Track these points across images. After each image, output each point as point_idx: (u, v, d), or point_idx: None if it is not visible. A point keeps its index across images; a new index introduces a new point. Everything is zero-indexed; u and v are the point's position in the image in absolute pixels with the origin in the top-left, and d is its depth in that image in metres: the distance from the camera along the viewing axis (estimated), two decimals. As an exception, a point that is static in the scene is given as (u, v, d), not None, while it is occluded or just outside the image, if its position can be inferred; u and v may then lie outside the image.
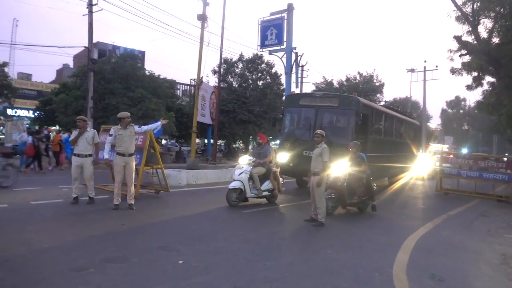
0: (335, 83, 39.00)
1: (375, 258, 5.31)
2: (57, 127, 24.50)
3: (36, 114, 25.46)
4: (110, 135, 7.65)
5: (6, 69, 23.63)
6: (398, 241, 6.24)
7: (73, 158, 7.71)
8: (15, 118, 29.30)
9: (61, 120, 21.34)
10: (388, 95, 76.34)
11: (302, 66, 33.25)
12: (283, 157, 10.95)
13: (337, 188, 7.99)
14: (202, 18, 16.73)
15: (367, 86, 37.82)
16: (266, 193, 8.86)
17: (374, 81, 40.08)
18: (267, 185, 8.89)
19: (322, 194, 7.11)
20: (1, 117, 26.24)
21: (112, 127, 7.87)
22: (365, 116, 11.06)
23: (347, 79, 39.49)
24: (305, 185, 11.85)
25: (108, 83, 21.01)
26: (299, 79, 22.97)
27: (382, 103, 26.22)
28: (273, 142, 23.26)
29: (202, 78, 17.87)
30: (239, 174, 8.51)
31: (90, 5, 18.52)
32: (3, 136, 23.94)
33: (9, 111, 30.89)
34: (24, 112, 32.21)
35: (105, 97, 20.57)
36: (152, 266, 4.34)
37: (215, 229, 6.41)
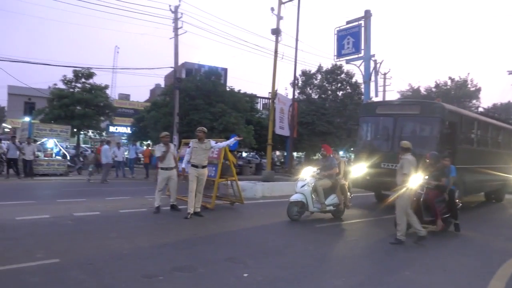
0: (423, 90, 36.41)
1: (462, 284, 4.68)
2: (149, 142, 26.74)
3: (131, 130, 28.10)
4: (189, 147, 8.14)
5: (108, 91, 26.56)
6: (492, 267, 5.43)
7: (160, 171, 8.27)
8: (115, 134, 32.71)
9: (152, 135, 23.19)
10: (486, 100, 68.77)
11: (385, 74, 31.75)
12: (359, 169, 10.34)
13: (412, 204, 7.15)
14: (276, 32, 16.93)
15: (460, 92, 34.63)
16: (330, 207, 8.30)
17: (469, 86, 36.55)
18: (332, 199, 8.31)
19: (402, 209, 6.54)
20: (104, 134, 29.44)
21: (191, 141, 8.36)
22: (452, 124, 10.04)
23: (437, 85, 36.60)
24: (385, 200, 11.09)
25: (192, 99, 22.32)
26: (380, 88, 21.89)
27: (481, 109, 23.64)
28: (341, 153, 22.29)
29: (277, 90, 17.98)
30: (301, 187, 8.08)
31: (175, 28, 20.02)
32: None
33: (111, 128, 34.56)
34: (123, 129, 35.80)
35: (189, 113, 21.86)
36: (217, 277, 4.38)
37: (285, 243, 6.28)
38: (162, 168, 8.26)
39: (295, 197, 8.04)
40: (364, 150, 10.86)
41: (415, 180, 7.05)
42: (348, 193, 8.86)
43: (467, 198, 10.94)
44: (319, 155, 9.70)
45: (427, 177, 7.34)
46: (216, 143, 8.58)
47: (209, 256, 5.24)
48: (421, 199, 7.17)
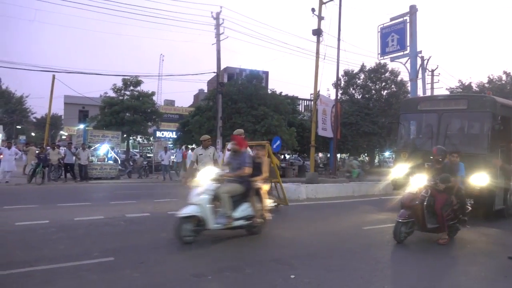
0: (474, 86, 34.37)
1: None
2: (194, 146, 27.42)
3: (177, 135, 29.02)
4: (228, 150, 8.24)
5: (154, 98, 27.65)
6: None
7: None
8: (162, 139, 33.94)
9: (196, 139, 23.78)
10: (548, 95, 63.57)
11: (433, 71, 30.35)
12: (400, 169, 9.74)
13: (414, 209, 6.19)
14: (318, 32, 16.77)
15: (517, 87, 32.24)
16: (241, 222, 6.11)
17: (527, 80, 33.95)
18: (244, 210, 6.13)
19: None
20: (151, 138, 30.63)
21: (229, 143, 8.45)
22: (505, 119, 9.06)
23: (490, 81, 34.39)
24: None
25: (235, 103, 22.65)
26: (428, 85, 20.94)
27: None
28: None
29: (319, 92, 17.79)
30: (197, 195, 5.90)
31: (217, 34, 20.44)
32: (151, 155, 27.85)
33: (158, 133, 35.90)
34: (169, 134, 37.05)
35: (232, 117, 22.18)
36: (263, 278, 4.39)
37: (331, 245, 6.17)
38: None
39: (186, 211, 5.79)
40: (405, 150, 10.16)
41: (418, 181, 6.39)
42: (270, 201, 6.96)
43: None
44: (229, 149, 7.54)
45: (432, 175, 6.43)
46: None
47: (255, 257, 5.28)
48: (425, 203, 6.19)
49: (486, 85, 33.94)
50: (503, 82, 33.55)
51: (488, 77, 34.85)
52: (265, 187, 6.76)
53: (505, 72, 34.21)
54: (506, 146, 9.09)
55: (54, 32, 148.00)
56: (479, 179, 8.17)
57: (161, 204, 9.66)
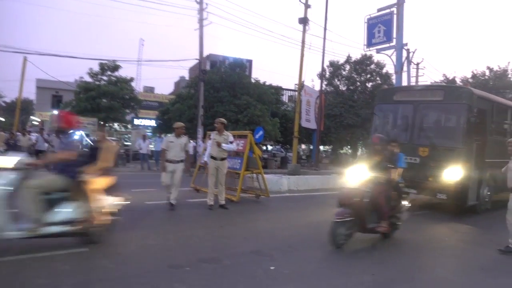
0: (458, 81, 35.16)
1: (504, 284, 4.54)
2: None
3: (156, 123, 28.67)
4: (210, 139, 8.23)
5: (133, 84, 27.17)
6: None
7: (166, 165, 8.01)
8: (140, 127, 33.45)
9: (176, 128, 23.59)
10: (529, 92, 65.69)
11: (417, 64, 30.86)
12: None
13: (354, 206, 5.41)
14: (304, 21, 16.75)
15: (500, 83, 33.18)
16: (57, 228, 4.59)
17: (509, 76, 34.97)
18: (64, 211, 4.69)
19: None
20: (129, 126, 30.17)
21: (212, 133, 8.44)
22: (481, 112, 8.85)
23: (473, 76, 35.23)
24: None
25: (217, 92, 22.50)
26: (412, 78, 21.31)
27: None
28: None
29: (304, 82, 17.84)
30: None
31: (200, 20, 20.16)
32: (129, 143, 27.47)
33: (136, 121, 35.36)
34: (148, 122, 36.55)
35: (214, 105, 22.05)
36: (243, 269, 4.43)
37: (312, 236, 6.26)
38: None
39: None
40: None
41: (357, 174, 5.68)
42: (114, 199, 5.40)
43: (497, 196, 10.33)
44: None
45: (373, 168, 5.70)
46: (231, 142, 8.30)
47: (234, 248, 5.31)
48: (367, 200, 5.46)
49: (470, 79, 34.79)
50: (486, 77, 34.47)
51: (472, 72, 35.69)
52: (101, 181, 5.08)
53: (488, 68, 35.15)
54: (481, 140, 8.92)
55: (27, 11, 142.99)
56: (453, 174, 8.13)
57: (139, 194, 9.56)
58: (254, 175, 9.87)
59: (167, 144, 7.92)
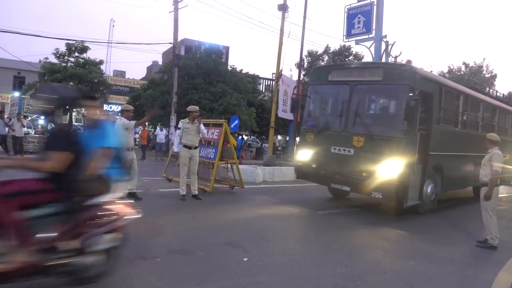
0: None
1: (469, 275, 4.76)
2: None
3: (127, 109, 28.13)
4: (179, 128, 8.15)
5: (102, 67, 26.43)
6: (501, 259, 5.52)
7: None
8: (110, 113, 32.72)
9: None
10: (503, 88, 68.32)
11: (395, 57, 31.39)
12: (304, 155, 8.53)
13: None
14: (283, 8, 16.72)
15: (475, 78, 34.40)
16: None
17: (484, 72, 36.30)
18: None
19: (491, 209, 6.01)
20: (97, 112, 29.47)
21: (181, 121, 8.35)
22: (426, 96, 7.80)
23: (450, 71, 36.35)
24: (345, 196, 9.55)
25: (192, 78, 22.22)
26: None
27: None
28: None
29: (281, 71, 17.87)
30: None
31: (175, 1, 19.77)
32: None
33: (105, 107, 34.52)
34: (118, 107, 35.76)
35: (188, 92, 21.80)
36: (216, 260, 4.45)
37: (286, 228, 6.35)
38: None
39: None
40: (311, 130, 8.64)
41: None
42: None
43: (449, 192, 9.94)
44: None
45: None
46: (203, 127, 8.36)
47: (207, 239, 5.31)
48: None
49: (447, 74, 35.86)
50: (462, 73, 35.62)
51: (449, 67, 36.84)
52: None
53: (464, 63, 36.34)
54: (427, 129, 7.89)
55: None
56: (389, 169, 7.07)
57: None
58: (229, 165, 9.86)
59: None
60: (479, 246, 6.03)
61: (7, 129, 15.32)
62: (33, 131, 17.20)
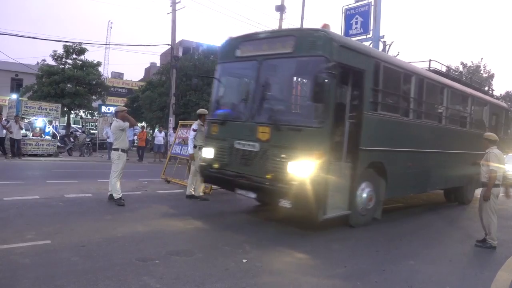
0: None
1: (468, 274, 4.77)
2: (143, 124, 26.68)
3: (125, 110, 28.11)
4: (194, 130, 8.14)
5: (100, 69, 26.42)
6: (501, 258, 5.52)
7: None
8: (107, 114, 32.67)
9: (146, 116, 23.15)
10: (500, 88, 68.59)
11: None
12: (208, 152, 6.88)
13: None
14: (281, 8, 16.76)
15: (473, 78, 34.57)
16: None
17: (481, 72, 36.42)
18: None
19: (491, 209, 5.94)
20: (96, 113, 29.39)
21: (195, 123, 8.33)
22: (353, 73, 6.26)
23: (448, 70, 36.46)
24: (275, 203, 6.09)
25: (190, 79, 22.19)
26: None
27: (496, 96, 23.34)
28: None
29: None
30: None
31: (173, 2, 19.77)
32: (96, 131, 26.77)
33: (103, 108, 34.48)
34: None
35: (186, 94, 21.78)
36: (215, 262, 4.43)
37: (284, 229, 6.32)
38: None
39: None
40: (216, 120, 6.93)
41: None
42: None
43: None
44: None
45: None
46: None
47: (207, 240, 5.31)
48: None
49: (444, 75, 35.90)
50: (460, 73, 35.70)
51: (446, 66, 36.86)
52: None
53: (462, 63, 36.44)
54: (357, 117, 6.31)
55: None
56: (298, 168, 5.41)
57: (106, 185, 9.32)
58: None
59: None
60: (478, 246, 6.03)
61: (4, 131, 15.29)
62: (31, 133, 17.12)
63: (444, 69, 10.43)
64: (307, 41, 5.86)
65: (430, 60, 9.92)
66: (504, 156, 6.64)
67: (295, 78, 6.94)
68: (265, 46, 6.43)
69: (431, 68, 9.60)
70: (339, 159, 6.26)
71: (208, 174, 6.85)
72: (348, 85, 6.42)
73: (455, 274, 4.77)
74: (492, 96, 13.08)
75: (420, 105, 8.14)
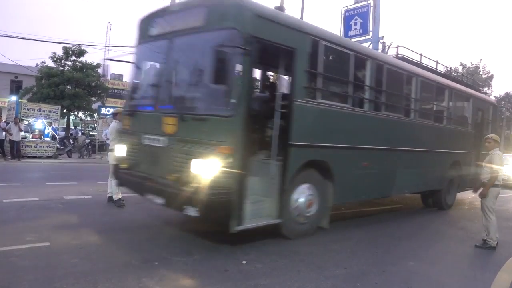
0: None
1: (468, 275, 4.77)
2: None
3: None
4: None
5: (100, 70, 26.34)
6: (500, 259, 5.52)
7: None
8: (107, 116, 32.68)
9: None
10: (499, 89, 68.64)
11: (393, 58, 31.54)
12: (120, 150, 5.91)
13: None
14: (280, 10, 16.73)
15: (472, 79, 34.62)
16: None
17: (481, 73, 36.52)
18: None
19: (489, 209, 5.98)
20: (95, 115, 29.37)
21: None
22: (275, 50, 5.32)
23: (447, 71, 36.50)
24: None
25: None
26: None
27: (492, 97, 23.36)
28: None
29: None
30: None
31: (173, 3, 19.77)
32: (95, 133, 26.75)
33: (103, 110, 34.50)
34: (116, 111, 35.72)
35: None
36: (214, 263, 4.43)
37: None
38: None
39: None
40: (128, 112, 5.98)
41: None
42: None
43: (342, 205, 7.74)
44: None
45: None
46: None
47: (206, 242, 5.29)
48: None
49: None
50: (459, 74, 35.74)
51: (446, 67, 36.91)
52: None
53: (461, 64, 36.50)
54: (287, 105, 5.30)
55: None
56: (205, 167, 4.45)
57: (105, 187, 9.34)
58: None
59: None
60: (478, 247, 6.03)
61: (4, 133, 15.29)
62: (30, 135, 17.13)
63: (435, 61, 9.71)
64: (218, 12, 4.99)
65: (398, 46, 9.37)
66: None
67: (206, 58, 4.96)
68: (177, 21, 5.46)
69: (399, 56, 8.90)
70: (266, 156, 5.48)
71: (118, 175, 5.95)
72: (278, 68, 5.63)
73: (455, 275, 4.77)
74: (478, 90, 12.17)
75: (379, 96, 7.09)
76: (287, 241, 5.55)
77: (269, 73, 6.22)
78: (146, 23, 5.95)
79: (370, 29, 16.48)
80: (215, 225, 5.08)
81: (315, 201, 5.71)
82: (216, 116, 4.56)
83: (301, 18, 17.09)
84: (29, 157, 15.92)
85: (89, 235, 5.20)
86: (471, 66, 36.71)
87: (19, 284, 3.56)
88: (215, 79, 4.76)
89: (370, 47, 16.89)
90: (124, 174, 5.74)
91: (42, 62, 24.33)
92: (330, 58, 6.21)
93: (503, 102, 41.27)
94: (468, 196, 11.41)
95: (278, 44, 5.13)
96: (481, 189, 6.10)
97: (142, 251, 4.69)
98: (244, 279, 4.03)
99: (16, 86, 33.70)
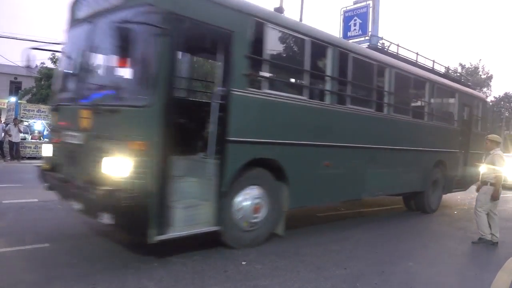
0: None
1: (467, 276, 4.78)
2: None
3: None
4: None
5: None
6: (500, 259, 5.52)
7: None
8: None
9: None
10: (498, 89, 68.57)
11: (392, 59, 31.57)
12: (47, 150, 5.33)
13: None
14: (279, 11, 16.71)
15: (471, 80, 34.64)
16: None
17: (480, 73, 36.56)
18: None
19: (480, 206, 6.25)
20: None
21: None
22: (207, 32, 4.72)
23: (446, 71, 36.56)
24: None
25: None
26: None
27: (491, 98, 23.41)
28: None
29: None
30: None
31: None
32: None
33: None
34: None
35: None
36: (214, 264, 4.43)
37: (285, 231, 6.31)
38: None
39: None
40: (54, 107, 5.37)
41: None
42: None
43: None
44: None
45: None
46: None
47: (206, 243, 5.28)
48: None
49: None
50: (458, 74, 35.80)
51: (445, 68, 36.97)
52: None
53: (460, 64, 36.55)
54: (226, 96, 4.65)
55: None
56: (117, 166, 3.90)
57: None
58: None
59: None
60: (474, 243, 6.15)
61: (3, 134, 15.29)
62: (30, 136, 17.13)
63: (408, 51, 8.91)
64: None
65: (398, 46, 8.61)
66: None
67: (121, 40, 4.05)
68: (99, 1, 4.86)
69: (371, 45, 8.43)
70: (204, 155, 5.00)
71: (45, 178, 5.23)
72: (214, 53, 5.01)
73: (454, 275, 4.78)
74: (467, 85, 11.24)
75: (344, 88, 6.45)
76: (287, 241, 5.55)
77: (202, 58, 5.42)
78: (74, 5, 5.32)
79: (370, 29, 16.48)
80: (135, 235, 4.43)
81: (264, 205, 5.10)
82: (128, 107, 4.01)
83: (300, 19, 17.12)
84: (29, 158, 15.92)
85: (88, 235, 5.20)
86: (470, 67, 36.74)
87: (19, 285, 3.57)
88: (129, 64, 4.12)
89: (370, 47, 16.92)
90: (49, 177, 5.08)
91: (42, 63, 24.36)
92: (281, 44, 5.60)
93: (502, 103, 41.34)
94: (468, 196, 11.43)
95: (210, 25, 4.53)
96: (482, 187, 6.23)
97: (141, 252, 4.69)
98: (243, 280, 4.03)
99: (15, 87, 33.73)
